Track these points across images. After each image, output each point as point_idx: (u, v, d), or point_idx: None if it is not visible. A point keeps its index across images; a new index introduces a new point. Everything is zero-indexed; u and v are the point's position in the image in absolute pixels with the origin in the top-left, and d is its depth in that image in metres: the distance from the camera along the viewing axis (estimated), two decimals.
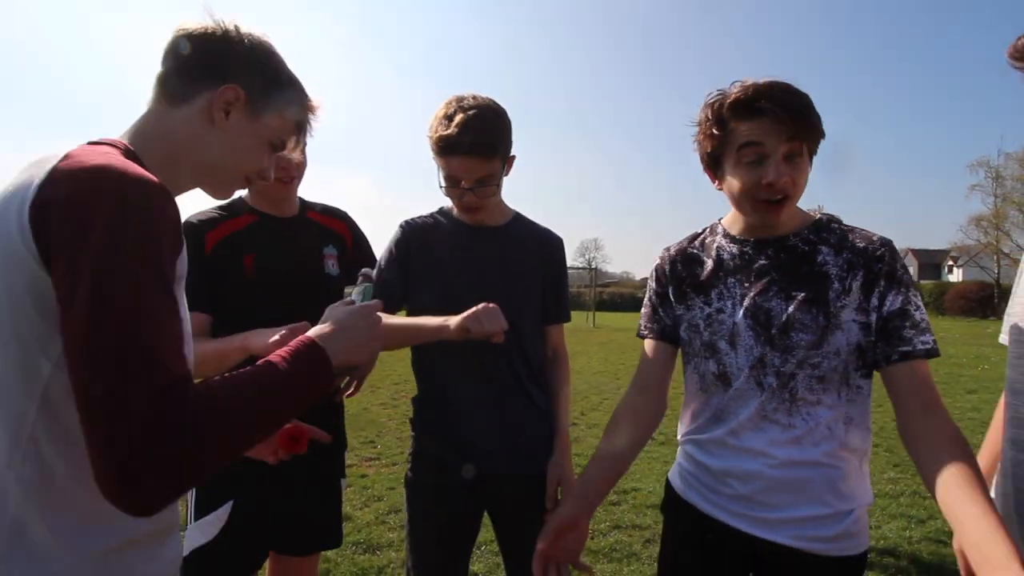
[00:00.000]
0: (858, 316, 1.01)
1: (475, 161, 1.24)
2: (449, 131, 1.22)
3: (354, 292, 0.94)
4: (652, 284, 1.23)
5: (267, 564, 1.50)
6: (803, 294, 1.02)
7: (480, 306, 1.12)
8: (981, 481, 0.83)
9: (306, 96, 0.94)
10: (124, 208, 0.65)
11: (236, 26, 0.86)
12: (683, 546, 1.17)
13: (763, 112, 0.97)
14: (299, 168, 1.39)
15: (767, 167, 0.98)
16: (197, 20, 0.85)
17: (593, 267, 33.39)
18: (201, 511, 1.33)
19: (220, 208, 1.39)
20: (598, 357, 10.18)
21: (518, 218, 1.45)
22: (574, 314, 1.76)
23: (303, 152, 1.39)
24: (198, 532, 1.32)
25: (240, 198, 1.42)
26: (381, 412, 5.61)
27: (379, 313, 0.87)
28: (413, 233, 1.38)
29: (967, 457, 0.86)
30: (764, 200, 1.01)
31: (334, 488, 1.51)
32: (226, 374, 0.71)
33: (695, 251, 1.17)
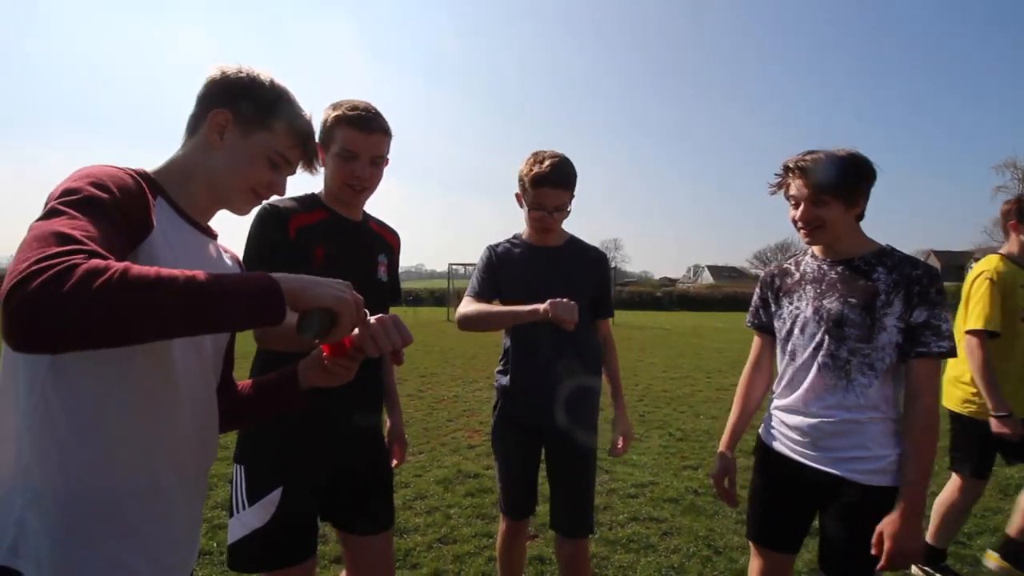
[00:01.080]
0: (898, 322, 1.37)
1: (558, 192, 1.73)
2: (543, 169, 1.70)
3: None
4: (758, 289, 1.71)
5: (343, 551, 1.54)
6: (856, 300, 1.39)
7: (562, 299, 1.55)
8: (907, 463, 1.32)
9: (293, 113, 0.99)
10: (86, 171, 0.79)
11: (238, 68, 0.97)
12: (760, 475, 1.62)
13: (797, 175, 1.44)
14: (372, 180, 1.44)
15: (798, 211, 1.46)
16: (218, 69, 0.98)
17: (613, 266, 33.17)
18: (253, 497, 1.36)
19: (295, 199, 1.44)
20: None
21: (572, 239, 1.91)
22: None
23: (371, 166, 1.42)
24: (252, 515, 1.35)
25: (314, 194, 1.48)
26: (408, 403, 5.68)
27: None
28: (498, 255, 1.87)
29: (911, 442, 1.33)
30: (801, 231, 1.48)
31: (384, 467, 1.58)
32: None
33: (789, 265, 1.62)
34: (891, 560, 1.29)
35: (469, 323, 1.77)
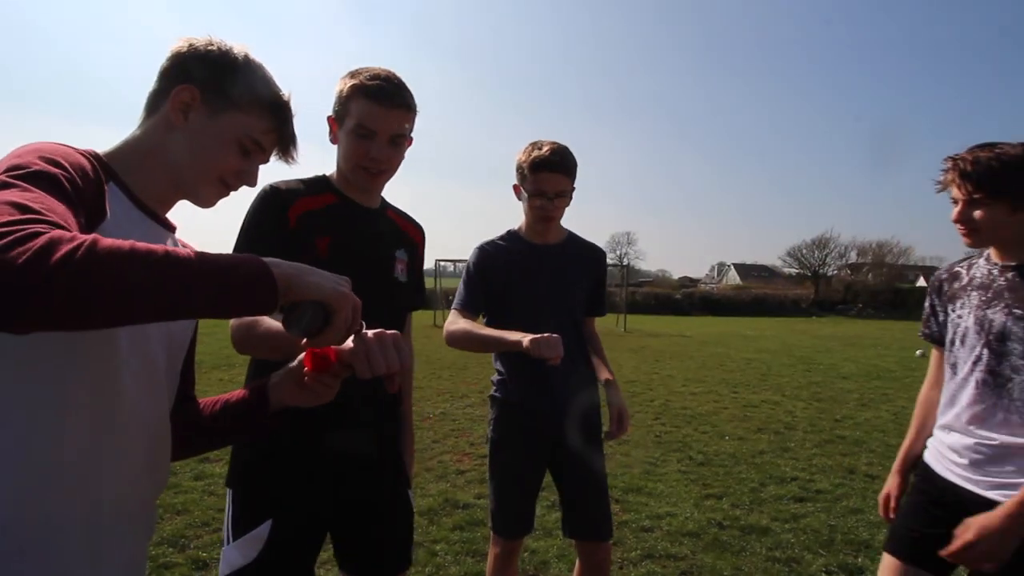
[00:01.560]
0: None
1: (559, 176, 1.84)
2: (543, 153, 1.82)
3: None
4: (928, 296, 1.73)
5: None
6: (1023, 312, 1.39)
7: (546, 335, 1.59)
8: None
9: (270, 92, 0.98)
10: (34, 146, 0.79)
11: (208, 40, 0.96)
12: (917, 493, 1.63)
13: (953, 172, 1.47)
14: (390, 162, 1.38)
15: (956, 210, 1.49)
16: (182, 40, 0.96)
17: (625, 264, 33.19)
18: (238, 530, 1.32)
19: (302, 181, 1.39)
20: (629, 365, 10.13)
21: (572, 236, 2.04)
22: (603, 316, 2.25)
23: (390, 146, 1.36)
24: (236, 552, 1.31)
25: (324, 176, 1.44)
26: None
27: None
28: (489, 254, 1.95)
29: None
30: (962, 233, 1.50)
31: (401, 502, 1.50)
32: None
33: (960, 269, 1.61)
34: (964, 552, 1.31)
35: (455, 342, 1.88)
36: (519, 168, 1.89)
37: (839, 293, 39.11)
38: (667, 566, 2.92)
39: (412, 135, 1.43)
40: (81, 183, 0.78)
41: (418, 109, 1.40)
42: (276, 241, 1.27)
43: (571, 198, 1.95)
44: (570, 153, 1.89)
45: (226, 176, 0.97)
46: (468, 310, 1.92)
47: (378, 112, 1.31)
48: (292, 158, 1.05)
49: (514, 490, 1.96)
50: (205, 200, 1.00)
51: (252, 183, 1.01)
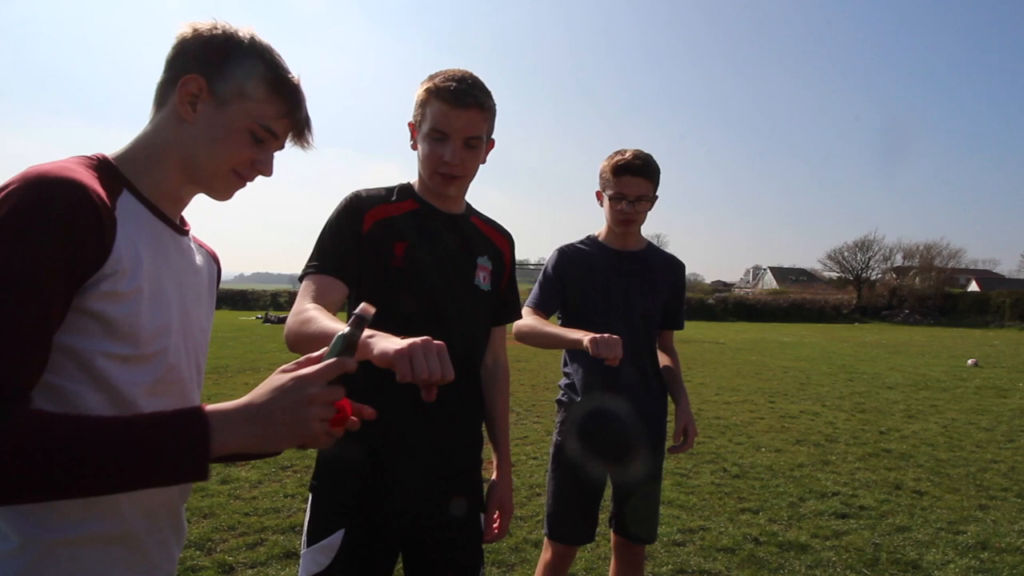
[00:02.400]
0: None
1: (640, 180, 1.92)
2: (625, 158, 1.92)
3: (334, 340, 0.82)
4: None
5: None
6: None
7: (606, 335, 1.60)
8: None
9: (280, 76, 0.95)
10: (16, 198, 0.74)
11: (213, 24, 0.93)
12: None
13: None
14: (465, 167, 1.37)
15: None
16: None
17: None
18: (312, 537, 1.34)
19: (386, 188, 1.44)
20: None
21: (651, 246, 2.12)
22: None
23: (464, 149, 1.35)
24: (310, 559, 1.34)
25: (409, 184, 1.46)
26: None
27: (329, 385, 0.78)
28: (569, 257, 2.03)
29: None
30: None
31: (472, 525, 1.46)
32: (81, 415, 0.75)
33: None
34: None
35: (521, 337, 1.92)
36: (602, 174, 1.99)
37: (884, 298, 38.01)
38: None
39: (493, 138, 1.42)
40: (75, 238, 0.75)
41: (494, 106, 1.38)
42: (347, 247, 1.33)
43: (653, 204, 2.01)
44: (652, 159, 1.96)
45: (240, 167, 0.96)
46: (541, 309, 1.99)
47: (450, 113, 1.30)
48: (307, 143, 1.02)
49: (575, 495, 2.00)
50: (220, 193, 0.98)
51: (268, 172, 0.99)
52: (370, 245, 1.34)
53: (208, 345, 1.08)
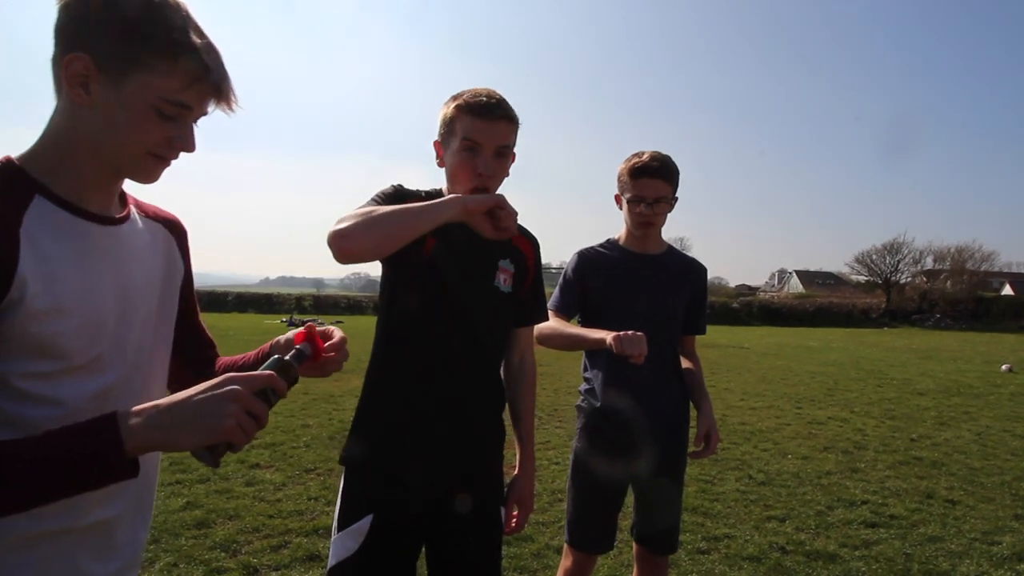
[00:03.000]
0: None
1: (658, 182, 1.91)
2: (643, 160, 1.91)
3: (271, 359, 0.90)
4: None
5: None
6: None
7: (630, 332, 1.63)
8: None
9: (179, 41, 0.82)
10: None
11: None
12: None
13: None
14: (496, 175, 1.43)
15: None
16: None
17: None
18: (343, 521, 1.42)
19: (422, 191, 1.50)
20: None
21: (672, 249, 2.10)
22: None
23: (496, 158, 1.43)
24: (340, 544, 1.41)
25: (440, 189, 1.52)
26: None
27: (252, 392, 0.79)
28: (589, 260, 2.03)
29: None
30: None
31: (491, 519, 1.52)
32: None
33: None
34: None
35: (543, 340, 1.93)
36: (619, 177, 1.99)
37: (914, 302, 37.10)
38: None
39: (515, 151, 1.49)
40: None
41: (518, 119, 1.46)
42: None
43: (672, 206, 2.01)
44: (671, 160, 1.95)
45: (155, 148, 0.86)
46: (561, 312, 2.00)
47: (482, 126, 1.39)
48: (231, 106, 0.90)
49: (595, 502, 2.00)
50: (143, 178, 0.90)
51: (190, 148, 0.89)
52: None
53: (172, 327, 1.05)
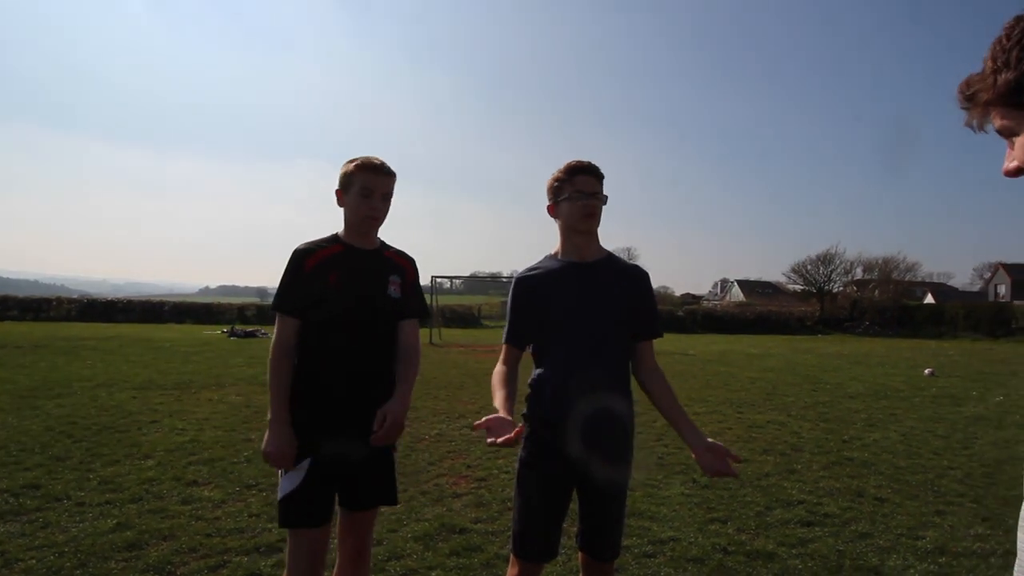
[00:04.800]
0: None
1: (594, 179, 2.03)
2: (578, 161, 2.05)
3: None
4: None
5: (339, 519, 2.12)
6: None
7: (494, 416, 1.75)
8: None
9: None
10: None
11: None
12: None
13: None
14: (383, 212, 2.13)
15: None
16: None
17: None
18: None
19: (323, 240, 2.13)
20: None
21: (611, 256, 2.14)
22: None
23: (383, 200, 2.11)
24: (287, 481, 1.99)
25: (336, 234, 2.16)
26: None
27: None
28: (525, 285, 2.08)
29: None
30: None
31: (386, 456, 2.15)
32: None
33: None
34: None
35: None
36: (555, 183, 2.04)
37: (845, 310, 39.09)
38: None
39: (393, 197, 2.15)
40: None
41: (396, 176, 2.13)
42: (296, 285, 2.06)
43: (604, 204, 2.07)
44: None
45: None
46: (511, 343, 2.07)
47: (375, 179, 2.07)
48: None
49: (539, 512, 1.99)
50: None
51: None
52: (312, 279, 2.06)
53: None
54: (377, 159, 2.10)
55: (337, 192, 2.11)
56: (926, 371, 12.83)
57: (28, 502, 3.81)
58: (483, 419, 1.72)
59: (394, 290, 2.14)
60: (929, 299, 51.62)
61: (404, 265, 2.22)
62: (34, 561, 2.99)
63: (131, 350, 14.06)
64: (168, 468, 4.60)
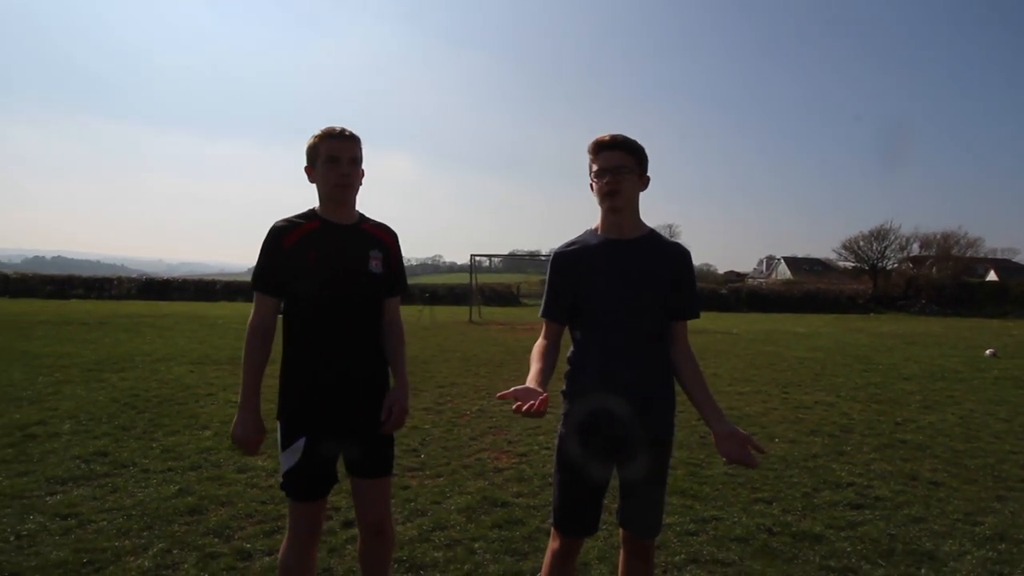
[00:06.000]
0: None
1: (617, 153, 1.96)
2: (601, 137, 1.99)
3: None
4: None
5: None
6: None
7: (525, 387, 1.76)
8: None
9: None
10: None
11: None
12: None
13: None
14: (354, 177, 2.05)
15: None
16: None
17: None
18: (284, 444, 2.04)
19: (299, 215, 2.07)
20: None
21: (653, 233, 2.07)
22: None
23: (351, 165, 2.04)
24: (284, 459, 2.04)
25: (313, 209, 2.10)
26: (424, 418, 5.75)
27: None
28: (562, 259, 2.04)
29: None
30: None
31: (379, 433, 2.15)
32: None
33: None
34: None
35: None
36: (589, 163, 2.00)
37: (900, 288, 37.48)
38: (713, 571, 2.88)
39: (363, 169, 2.09)
40: None
41: (360, 140, 2.06)
42: (276, 260, 2.01)
43: (641, 179, 2.00)
44: (632, 139, 1.98)
45: None
46: (547, 317, 2.06)
47: (339, 144, 2.02)
48: None
49: (578, 487, 2.00)
50: None
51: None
52: (291, 257, 2.01)
53: None
54: (337, 127, 2.05)
55: (306, 169, 2.07)
56: (987, 352, 12.24)
57: (98, 468, 4.06)
58: (510, 389, 1.71)
59: (375, 265, 2.09)
60: (992, 276, 48.98)
61: (385, 239, 2.16)
62: (105, 523, 3.19)
63: (187, 326, 14.70)
64: (224, 438, 4.82)
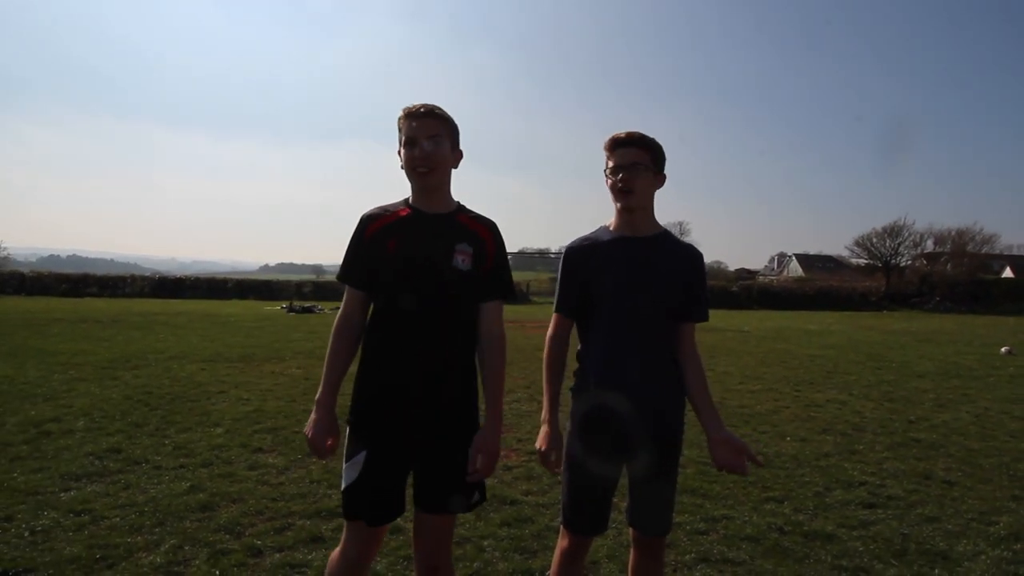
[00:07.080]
0: None
1: (631, 149, 1.94)
2: (617, 134, 1.97)
3: None
4: None
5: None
6: None
7: (544, 450, 1.95)
8: None
9: None
10: None
11: None
12: None
13: None
14: (430, 159, 1.82)
15: None
16: None
17: None
18: (348, 455, 1.84)
19: (389, 205, 1.92)
20: None
21: (666, 233, 2.06)
22: None
23: (431, 143, 1.82)
24: (347, 472, 1.83)
25: (407, 198, 1.92)
26: None
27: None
28: (576, 253, 2.03)
29: None
30: None
31: (460, 456, 1.84)
32: None
33: None
34: None
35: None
36: (605, 160, 1.99)
37: (913, 285, 37.07)
38: (723, 571, 2.86)
39: (461, 150, 1.91)
40: None
41: (450, 119, 1.87)
42: (357, 251, 1.88)
43: (657, 177, 1.99)
44: (647, 136, 1.98)
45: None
46: (560, 311, 2.06)
47: (415, 123, 1.81)
48: None
49: (587, 486, 1.99)
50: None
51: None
52: (370, 247, 1.86)
53: None
54: (417, 103, 1.84)
55: (398, 153, 1.88)
56: (1003, 350, 12.08)
57: (111, 464, 4.11)
58: (541, 448, 1.95)
59: (461, 260, 1.83)
60: (1008, 273, 48.31)
61: (480, 233, 1.89)
62: (118, 519, 3.22)
63: (199, 325, 14.82)
64: (235, 436, 4.85)
